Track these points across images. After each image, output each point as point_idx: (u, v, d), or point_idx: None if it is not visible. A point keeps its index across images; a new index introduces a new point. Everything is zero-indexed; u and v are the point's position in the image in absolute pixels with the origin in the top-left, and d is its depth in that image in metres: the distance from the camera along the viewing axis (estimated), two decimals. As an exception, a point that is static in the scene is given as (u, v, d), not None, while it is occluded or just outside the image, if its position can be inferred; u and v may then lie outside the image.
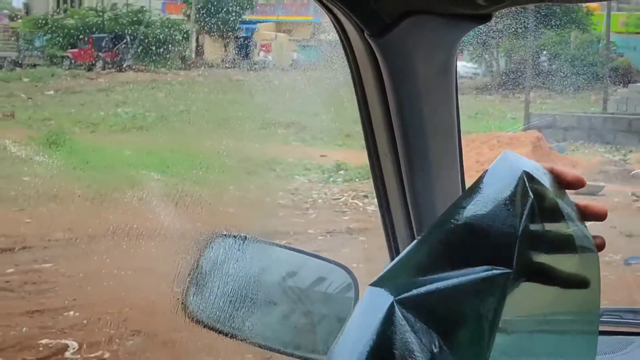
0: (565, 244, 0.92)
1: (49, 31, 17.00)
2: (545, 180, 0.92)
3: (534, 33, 15.23)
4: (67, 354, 4.22)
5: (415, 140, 1.36)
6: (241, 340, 1.36)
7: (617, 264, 6.17)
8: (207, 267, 1.38)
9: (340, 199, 9.02)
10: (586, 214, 0.92)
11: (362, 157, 1.45)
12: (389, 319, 0.78)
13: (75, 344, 4.28)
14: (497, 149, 11.01)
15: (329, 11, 1.24)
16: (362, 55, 1.29)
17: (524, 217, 0.86)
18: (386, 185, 1.46)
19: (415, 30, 1.19)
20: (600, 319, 1.48)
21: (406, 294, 0.81)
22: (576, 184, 0.91)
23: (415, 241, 0.87)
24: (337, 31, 1.30)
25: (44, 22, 17.79)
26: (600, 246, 0.95)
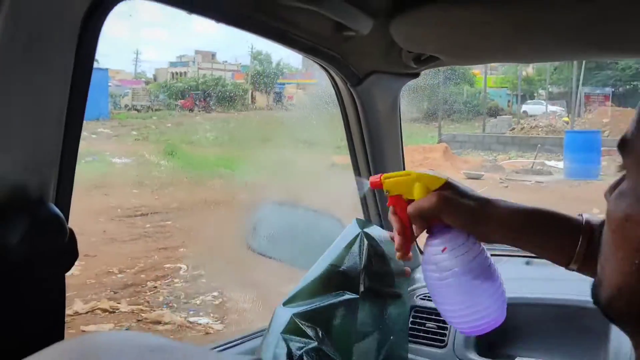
0: (388, 274, 1.30)
1: (167, 90, 26.77)
2: (380, 236, 1.29)
3: (443, 86, 22.96)
4: (181, 272, 6.77)
5: (377, 148, 1.75)
6: (272, 258, 1.61)
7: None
8: (261, 221, 1.62)
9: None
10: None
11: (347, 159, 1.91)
12: (289, 326, 1.16)
13: (185, 266, 6.89)
14: (423, 153, 15.78)
15: (326, 71, 1.58)
16: (346, 97, 1.66)
17: (363, 259, 1.24)
18: (360, 173, 1.79)
19: (377, 82, 1.60)
20: None
21: (299, 310, 1.19)
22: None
23: (306, 279, 1.24)
24: (331, 82, 1.66)
25: (164, 85, 27.84)
26: (408, 273, 1.35)
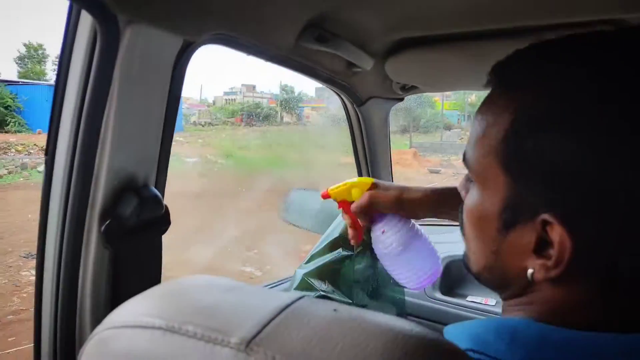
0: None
1: (223, 111, 27.33)
2: None
3: (413, 109, 24.25)
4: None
5: (374, 151, 1.75)
6: (299, 227, 1.61)
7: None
8: (291, 201, 1.64)
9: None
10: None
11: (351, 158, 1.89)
12: (301, 283, 1.20)
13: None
14: (399, 155, 15.93)
15: (339, 96, 1.59)
16: (353, 115, 1.66)
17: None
18: (362, 173, 1.79)
19: (374, 104, 1.61)
20: None
21: (308, 270, 1.23)
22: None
23: (316, 247, 1.27)
24: (342, 104, 1.65)
25: (221, 108, 28.39)
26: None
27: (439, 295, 1.65)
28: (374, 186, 0.90)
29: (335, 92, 1.55)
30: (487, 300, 1.62)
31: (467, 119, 31.25)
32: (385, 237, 0.88)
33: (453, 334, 0.50)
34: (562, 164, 0.42)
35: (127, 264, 0.84)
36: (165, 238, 0.90)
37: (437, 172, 14.89)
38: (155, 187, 0.88)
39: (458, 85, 1.49)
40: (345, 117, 1.70)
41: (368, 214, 0.89)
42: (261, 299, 0.36)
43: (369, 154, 1.75)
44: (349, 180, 0.93)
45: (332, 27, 1.04)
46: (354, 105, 1.59)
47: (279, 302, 0.35)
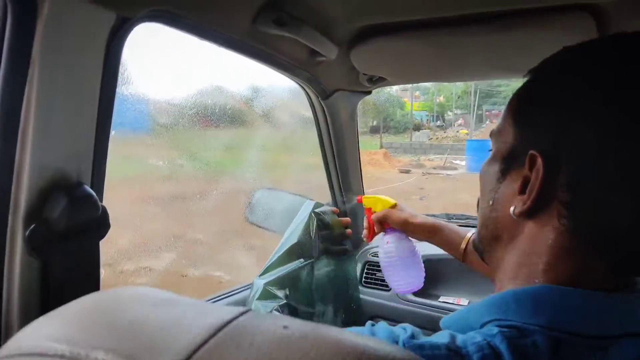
0: (334, 236, 1.36)
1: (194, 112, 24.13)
2: (327, 212, 1.39)
3: (382, 109, 24.32)
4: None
5: (341, 148, 1.68)
6: (262, 228, 1.54)
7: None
8: (256, 200, 1.58)
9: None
10: (343, 222, 1.44)
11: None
12: (262, 293, 1.15)
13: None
14: (370, 155, 15.99)
15: (303, 89, 1.51)
16: (318, 108, 1.58)
17: (314, 231, 1.30)
18: (330, 170, 1.73)
19: (340, 97, 1.53)
20: None
21: (269, 279, 1.18)
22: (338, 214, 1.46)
23: (274, 255, 1.25)
24: (307, 97, 1.57)
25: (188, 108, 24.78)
26: (349, 234, 1.46)
27: (410, 296, 1.60)
28: (394, 206, 1.15)
29: (299, 84, 1.46)
30: (459, 300, 1.58)
31: (435, 120, 31.73)
32: (387, 246, 1.11)
33: (457, 319, 0.56)
34: (559, 107, 0.50)
35: (59, 274, 0.73)
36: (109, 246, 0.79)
37: (407, 171, 15.04)
38: (92, 187, 0.77)
39: (427, 76, 1.42)
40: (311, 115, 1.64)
41: (382, 225, 1.14)
42: (197, 315, 0.30)
43: (337, 151, 1.67)
44: (380, 195, 1.18)
45: (291, 10, 0.95)
46: (319, 99, 1.51)
47: (218, 318, 0.29)
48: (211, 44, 0.96)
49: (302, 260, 1.29)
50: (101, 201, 0.80)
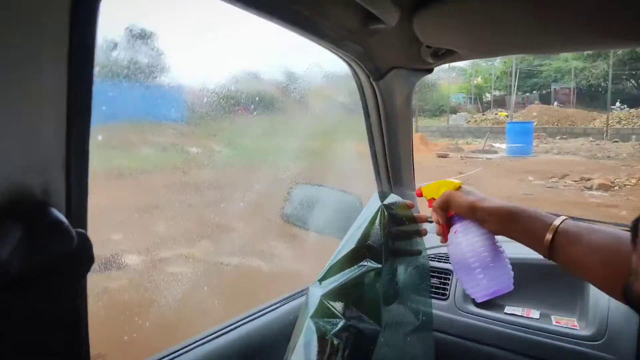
0: (406, 235, 1.05)
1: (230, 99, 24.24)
2: (396, 202, 1.05)
3: (418, 92, 22.03)
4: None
5: (393, 135, 1.44)
6: (303, 228, 1.43)
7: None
8: (294, 197, 1.43)
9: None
10: (418, 219, 1.07)
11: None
12: (318, 308, 0.90)
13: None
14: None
15: (351, 67, 1.28)
16: (368, 90, 1.35)
17: (384, 230, 0.98)
18: (378, 161, 1.51)
19: (396, 77, 1.29)
20: None
21: (327, 290, 0.92)
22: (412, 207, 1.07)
23: (335, 256, 0.98)
24: (354, 77, 1.35)
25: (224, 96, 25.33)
26: (424, 233, 1.08)
27: (471, 307, 1.41)
28: (458, 188, 0.93)
29: (347, 62, 1.22)
30: (529, 312, 1.38)
31: (472, 102, 30.71)
32: (456, 237, 0.89)
33: None
34: None
35: (20, 334, 0.51)
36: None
37: (445, 156, 14.69)
38: (67, 208, 0.55)
39: (513, 47, 1.14)
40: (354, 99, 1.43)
41: (445, 213, 0.92)
42: None
43: (388, 139, 1.44)
44: (440, 180, 0.96)
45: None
46: (371, 79, 1.26)
47: None
48: (245, 10, 0.71)
49: (367, 264, 1.01)
50: (83, 226, 0.57)
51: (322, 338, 0.84)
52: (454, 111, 28.05)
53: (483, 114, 27.09)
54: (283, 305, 1.25)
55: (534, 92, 29.24)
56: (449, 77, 28.13)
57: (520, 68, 27.52)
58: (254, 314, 1.17)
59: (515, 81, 26.34)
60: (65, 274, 0.53)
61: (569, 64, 26.97)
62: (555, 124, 22.78)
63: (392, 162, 1.48)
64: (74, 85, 0.51)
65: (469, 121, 25.09)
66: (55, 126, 0.51)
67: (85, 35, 0.50)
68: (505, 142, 16.51)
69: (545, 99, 27.96)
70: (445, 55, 1.15)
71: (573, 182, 10.14)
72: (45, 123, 0.50)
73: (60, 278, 0.53)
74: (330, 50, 1.05)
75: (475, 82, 30.99)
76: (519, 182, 10.16)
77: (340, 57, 1.16)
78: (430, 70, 1.31)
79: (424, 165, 12.33)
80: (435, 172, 10.76)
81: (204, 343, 1.01)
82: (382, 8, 0.85)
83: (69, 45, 0.48)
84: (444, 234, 0.94)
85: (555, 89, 28.71)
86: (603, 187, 9.44)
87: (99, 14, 0.50)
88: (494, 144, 17.49)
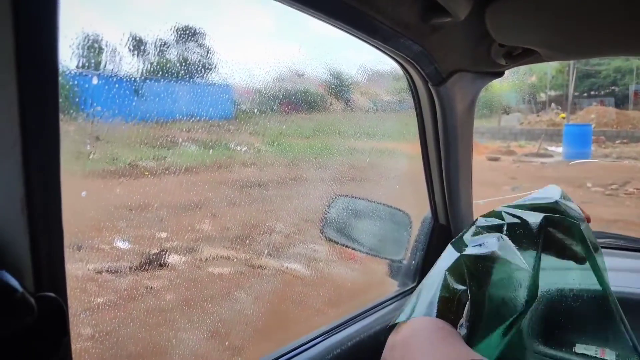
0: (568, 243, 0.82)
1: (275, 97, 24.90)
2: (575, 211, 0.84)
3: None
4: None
5: (452, 154, 1.29)
6: (346, 246, 1.37)
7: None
8: (335, 212, 1.34)
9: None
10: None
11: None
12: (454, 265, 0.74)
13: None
14: None
15: (406, 70, 1.13)
16: (424, 97, 1.18)
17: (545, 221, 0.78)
18: (432, 176, 1.34)
19: (459, 82, 1.13)
20: None
21: (469, 253, 0.75)
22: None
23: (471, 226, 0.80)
24: (408, 82, 1.20)
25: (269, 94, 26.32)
26: (588, 219, 0.86)
27: (537, 345, 1.20)
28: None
29: (400, 64, 1.03)
30: (603, 353, 1.16)
31: (526, 102, 29.53)
32: None
33: None
34: None
35: None
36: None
37: (496, 159, 14.11)
38: (35, 265, 0.40)
39: (608, 49, 0.93)
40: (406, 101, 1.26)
41: None
42: None
43: (445, 152, 1.24)
44: None
45: None
46: (429, 84, 1.07)
47: None
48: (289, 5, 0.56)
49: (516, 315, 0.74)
50: (56, 287, 0.42)
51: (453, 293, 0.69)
52: (506, 112, 27.07)
53: (538, 115, 26.03)
54: (378, 310, 1.20)
55: (592, 92, 27.97)
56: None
57: (578, 67, 26.26)
58: (350, 319, 1.13)
59: (572, 81, 25.20)
60: (23, 356, 0.39)
61: (629, 63, 25.53)
62: (615, 126, 21.63)
63: (448, 179, 1.31)
64: (30, 91, 0.37)
65: (522, 122, 24.18)
66: (6, 153, 0.37)
67: (41, 25, 0.35)
68: (561, 145, 15.80)
69: (610, 101, 26.76)
70: (521, 55, 0.95)
71: (635, 190, 9.52)
72: None
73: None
74: (381, 50, 0.88)
75: (529, 81, 29.83)
76: (577, 188, 9.61)
77: (393, 59, 0.98)
78: (500, 74, 1.11)
79: (473, 169, 11.92)
80: (487, 175, 10.37)
81: (303, 350, 0.98)
82: (450, -2, 0.67)
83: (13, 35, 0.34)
84: None
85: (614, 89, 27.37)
86: (666, 196, 8.79)
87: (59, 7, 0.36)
88: (548, 147, 16.77)
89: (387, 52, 0.90)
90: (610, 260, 1.20)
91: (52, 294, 0.40)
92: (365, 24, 0.73)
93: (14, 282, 0.36)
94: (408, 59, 0.96)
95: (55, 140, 0.39)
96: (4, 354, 0.37)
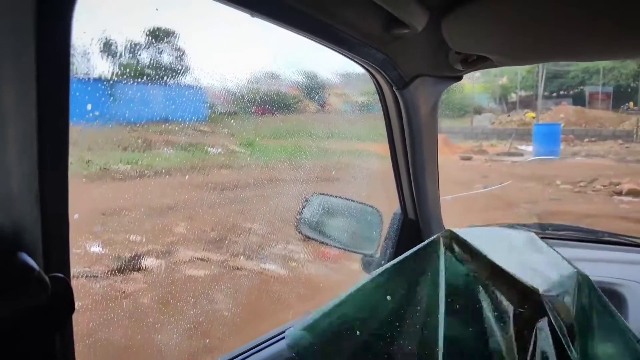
0: None
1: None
2: None
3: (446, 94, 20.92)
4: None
5: (417, 147, 1.35)
6: (320, 242, 1.42)
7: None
8: (310, 210, 1.39)
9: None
10: None
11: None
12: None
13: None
14: None
15: (372, 75, 1.21)
16: (390, 100, 1.27)
17: None
18: (400, 173, 1.42)
19: (421, 86, 1.21)
20: None
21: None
22: None
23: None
24: (375, 86, 1.28)
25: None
26: None
27: None
28: None
29: (368, 70, 1.12)
30: None
31: (497, 102, 30.12)
32: None
33: None
34: None
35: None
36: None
37: (468, 158, 14.35)
38: (44, 250, 0.47)
39: (556, 55, 1.04)
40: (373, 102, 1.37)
41: None
42: None
43: (411, 151, 1.33)
44: None
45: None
46: (394, 88, 1.15)
47: None
48: (262, 19, 0.63)
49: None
50: (63, 269, 0.49)
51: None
52: (478, 112, 27.54)
53: (508, 115, 26.58)
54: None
55: (561, 92, 28.68)
56: (473, 77, 27.66)
57: (547, 68, 26.94)
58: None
59: (542, 81, 25.85)
60: (39, 327, 0.46)
61: (596, 64, 26.33)
62: (584, 125, 22.26)
63: (415, 176, 1.39)
64: (46, 99, 0.43)
65: (494, 122, 24.65)
66: (24, 151, 0.43)
67: (58, 51, 0.42)
68: (531, 144, 16.13)
69: (578, 101, 27.38)
70: (476, 61, 1.05)
71: (602, 187, 9.83)
72: (11, 150, 0.43)
73: (33, 331, 0.45)
74: (349, 58, 0.96)
75: (500, 82, 30.42)
76: (546, 186, 9.88)
77: (362, 66, 1.07)
78: (459, 78, 1.21)
79: (447, 168, 12.12)
80: (459, 175, 10.54)
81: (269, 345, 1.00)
82: (408, 11, 0.76)
83: (35, 60, 0.40)
84: None
85: (583, 90, 28.12)
86: (633, 193, 9.12)
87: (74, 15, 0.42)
88: (519, 146, 17.12)
89: (354, 59, 0.98)
90: (570, 251, 1.31)
91: (60, 275, 0.46)
92: (332, 35, 0.81)
93: (32, 262, 0.43)
94: (374, 65, 1.04)
95: (65, 143, 0.46)
96: (22, 328, 0.43)
